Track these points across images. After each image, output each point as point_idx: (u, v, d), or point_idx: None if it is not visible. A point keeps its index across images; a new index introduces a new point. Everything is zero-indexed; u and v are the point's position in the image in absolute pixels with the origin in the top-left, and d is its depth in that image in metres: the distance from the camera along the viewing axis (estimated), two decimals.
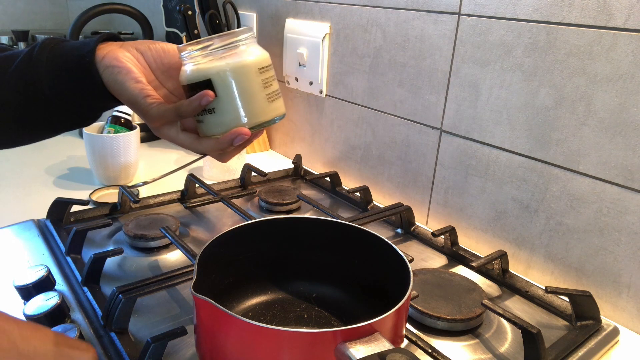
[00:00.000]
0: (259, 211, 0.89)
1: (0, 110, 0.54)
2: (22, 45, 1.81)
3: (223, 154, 0.56)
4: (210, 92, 0.50)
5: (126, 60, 0.53)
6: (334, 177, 0.98)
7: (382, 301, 0.48)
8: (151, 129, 0.55)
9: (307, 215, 0.86)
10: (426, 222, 0.89)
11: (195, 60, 0.51)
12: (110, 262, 0.69)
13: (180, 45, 0.52)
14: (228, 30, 1.14)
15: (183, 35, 1.29)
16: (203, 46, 0.50)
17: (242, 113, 0.51)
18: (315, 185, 1.02)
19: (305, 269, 0.59)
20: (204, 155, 0.56)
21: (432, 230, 0.76)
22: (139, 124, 1.02)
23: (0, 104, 0.54)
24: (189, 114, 0.52)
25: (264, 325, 0.40)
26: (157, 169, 1.08)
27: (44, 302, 0.56)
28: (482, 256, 0.72)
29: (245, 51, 0.52)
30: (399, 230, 0.84)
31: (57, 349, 0.40)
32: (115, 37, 0.56)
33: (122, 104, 0.55)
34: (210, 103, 0.50)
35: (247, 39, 0.52)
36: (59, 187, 0.96)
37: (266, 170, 0.99)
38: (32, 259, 0.69)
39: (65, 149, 1.16)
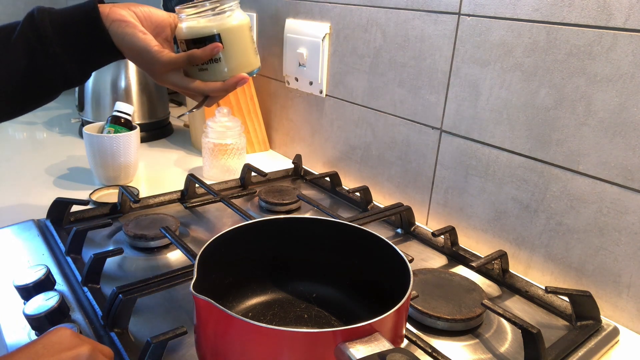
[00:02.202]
0: (259, 211, 0.89)
1: (10, 77, 0.59)
2: None
3: (215, 99, 0.67)
4: (220, 45, 0.62)
5: (129, 17, 0.61)
6: (334, 177, 0.98)
7: (382, 301, 0.48)
8: (154, 76, 0.64)
9: (307, 215, 0.86)
10: (426, 222, 0.89)
11: (196, 19, 0.63)
12: (110, 262, 0.69)
13: (180, 7, 0.63)
14: None
15: None
16: (206, 8, 0.62)
17: (241, 62, 0.65)
18: (315, 185, 1.02)
19: (305, 269, 0.59)
20: (204, 100, 0.67)
21: (432, 230, 0.76)
22: (139, 124, 1.02)
23: (10, 71, 0.59)
24: (199, 61, 0.63)
25: (264, 325, 0.39)
26: (157, 169, 1.08)
27: (44, 302, 0.56)
28: (482, 256, 0.72)
29: (236, 12, 0.64)
30: (399, 230, 0.84)
31: None
32: (102, 0, 0.63)
33: (123, 57, 0.63)
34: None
35: (237, 3, 0.65)
36: (59, 187, 0.96)
37: (266, 170, 0.99)
38: (32, 259, 0.69)
39: (65, 149, 1.16)
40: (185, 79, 0.64)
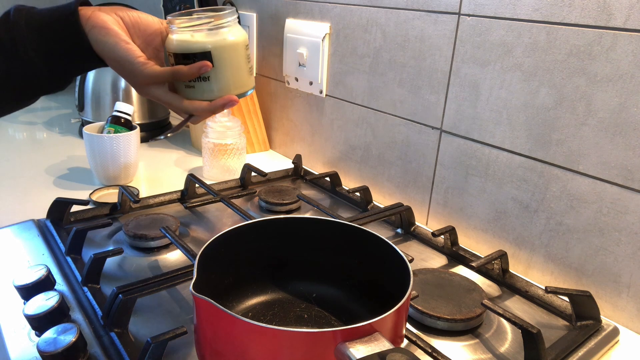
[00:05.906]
0: (259, 211, 0.89)
1: None
2: None
3: (200, 118, 0.62)
4: (209, 63, 0.57)
5: (112, 23, 0.55)
6: (334, 177, 0.98)
7: (382, 301, 0.48)
8: (135, 87, 0.59)
9: (307, 215, 0.86)
10: (426, 222, 0.89)
11: (187, 32, 0.57)
12: (110, 262, 0.69)
13: (172, 17, 0.57)
14: None
15: None
16: (201, 22, 0.57)
17: (232, 82, 0.60)
18: (315, 185, 1.02)
19: (305, 269, 0.59)
20: (188, 119, 0.62)
21: (432, 230, 0.76)
22: (139, 124, 1.02)
23: None
24: (185, 79, 0.57)
25: (264, 325, 0.40)
26: (157, 169, 1.08)
27: (43, 301, 0.56)
28: (482, 256, 0.72)
29: (233, 29, 0.59)
30: (399, 230, 0.84)
31: None
32: (88, 3, 0.57)
33: (106, 65, 0.57)
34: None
35: (235, 19, 0.59)
36: (59, 187, 0.96)
37: (266, 170, 0.99)
38: (32, 259, 0.69)
39: (65, 149, 1.16)
40: (168, 95, 0.59)
